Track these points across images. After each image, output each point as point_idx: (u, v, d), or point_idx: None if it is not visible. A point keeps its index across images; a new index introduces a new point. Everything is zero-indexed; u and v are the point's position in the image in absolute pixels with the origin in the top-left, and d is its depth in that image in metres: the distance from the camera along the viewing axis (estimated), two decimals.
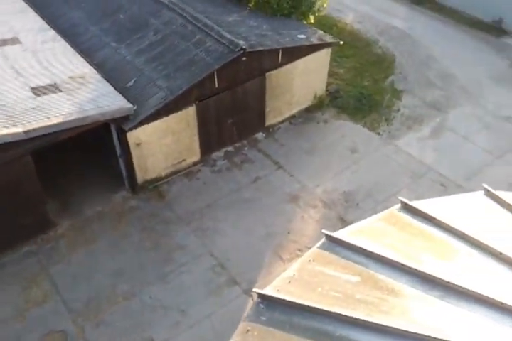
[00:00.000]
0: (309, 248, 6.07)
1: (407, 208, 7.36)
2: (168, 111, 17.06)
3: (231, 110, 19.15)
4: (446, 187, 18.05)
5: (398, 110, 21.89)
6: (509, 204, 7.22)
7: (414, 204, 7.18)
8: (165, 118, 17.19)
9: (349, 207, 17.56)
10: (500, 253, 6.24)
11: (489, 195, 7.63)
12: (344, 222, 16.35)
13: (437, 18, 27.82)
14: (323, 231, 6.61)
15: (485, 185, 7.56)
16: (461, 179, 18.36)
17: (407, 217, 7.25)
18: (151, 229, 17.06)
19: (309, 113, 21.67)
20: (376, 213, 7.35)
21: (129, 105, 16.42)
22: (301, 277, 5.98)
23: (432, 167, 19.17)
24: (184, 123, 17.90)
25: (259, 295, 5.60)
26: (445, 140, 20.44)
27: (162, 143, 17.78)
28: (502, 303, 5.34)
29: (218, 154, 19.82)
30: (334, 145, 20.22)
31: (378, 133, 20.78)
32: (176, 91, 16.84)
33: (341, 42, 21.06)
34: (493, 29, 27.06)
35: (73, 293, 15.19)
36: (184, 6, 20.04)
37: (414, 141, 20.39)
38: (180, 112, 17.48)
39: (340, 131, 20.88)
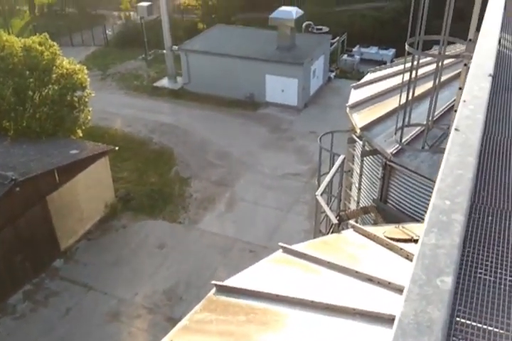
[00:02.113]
0: None
1: (222, 289, 7.26)
2: None
3: (18, 246, 17.65)
4: (255, 251, 18.77)
5: (191, 196, 22.51)
6: (304, 254, 7.65)
7: (227, 283, 7.13)
8: None
9: (174, 305, 17.02)
10: (312, 302, 6.44)
11: (287, 251, 7.98)
12: (173, 321, 15.66)
13: (199, 106, 29.98)
14: None
15: (281, 244, 7.91)
16: (264, 240, 19.34)
17: (225, 298, 7.12)
18: None
19: (105, 223, 21.05)
20: (200, 300, 7.15)
21: None
22: None
23: (236, 238, 19.96)
24: None
25: None
26: (240, 210, 21.63)
27: None
28: None
29: (16, 297, 17.78)
30: (140, 247, 19.76)
31: (180, 223, 21.01)
32: None
33: (116, 148, 21.30)
34: (249, 104, 30.12)
35: None
36: None
37: (214, 219, 21.11)
38: None
39: (142, 232, 20.56)
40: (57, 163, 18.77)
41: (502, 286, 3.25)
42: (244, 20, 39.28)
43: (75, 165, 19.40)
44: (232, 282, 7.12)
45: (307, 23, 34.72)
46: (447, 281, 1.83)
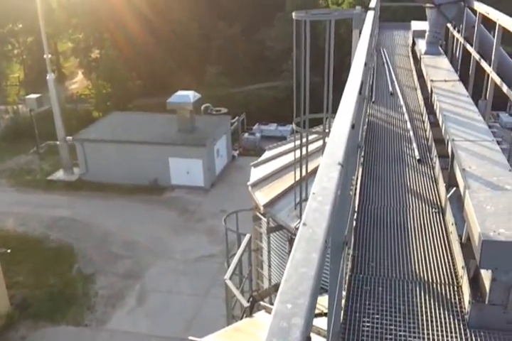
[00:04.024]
0: None
1: None
2: None
3: None
4: None
5: (96, 294, 20.58)
6: None
7: None
8: None
9: None
10: None
11: None
12: None
13: (99, 196, 28.49)
14: None
15: (191, 338, 7.57)
16: (182, 332, 17.65)
17: None
18: None
19: (1, 336, 18.51)
20: None
21: None
22: None
23: (151, 334, 18.14)
24: None
25: None
26: (152, 302, 19.90)
27: None
28: None
29: None
30: None
31: (86, 325, 18.90)
32: None
33: (8, 251, 19.54)
34: (153, 189, 29.13)
35: None
36: None
37: (125, 316, 19.21)
38: None
39: None
40: None
41: None
42: (141, 106, 39.26)
43: None
44: None
45: (206, 105, 35.27)
46: None
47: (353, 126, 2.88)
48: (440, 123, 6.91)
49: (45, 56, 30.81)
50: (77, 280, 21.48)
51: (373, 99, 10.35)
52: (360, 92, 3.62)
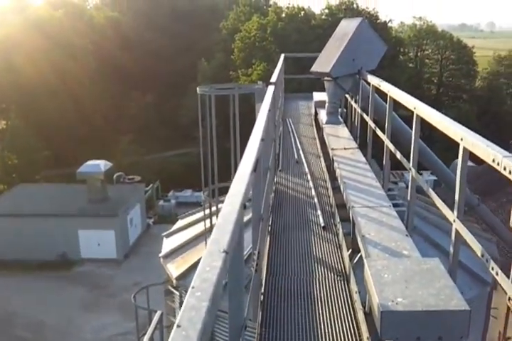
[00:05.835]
0: None
1: None
2: None
3: None
4: None
5: None
6: None
7: None
8: None
9: None
10: None
11: None
12: None
13: (2, 274, 26.34)
14: None
15: None
16: None
17: None
18: None
19: None
20: None
21: None
22: None
23: None
24: None
25: None
26: None
27: None
28: None
29: None
30: None
31: None
32: None
33: None
34: (61, 264, 27.59)
35: None
36: None
37: None
38: None
39: None
40: None
41: None
42: (49, 177, 37.94)
43: None
44: None
45: (118, 174, 34.63)
46: None
47: (244, 206, 2.81)
48: (341, 189, 7.11)
49: None
50: None
51: (280, 168, 10.55)
52: (254, 170, 3.59)
